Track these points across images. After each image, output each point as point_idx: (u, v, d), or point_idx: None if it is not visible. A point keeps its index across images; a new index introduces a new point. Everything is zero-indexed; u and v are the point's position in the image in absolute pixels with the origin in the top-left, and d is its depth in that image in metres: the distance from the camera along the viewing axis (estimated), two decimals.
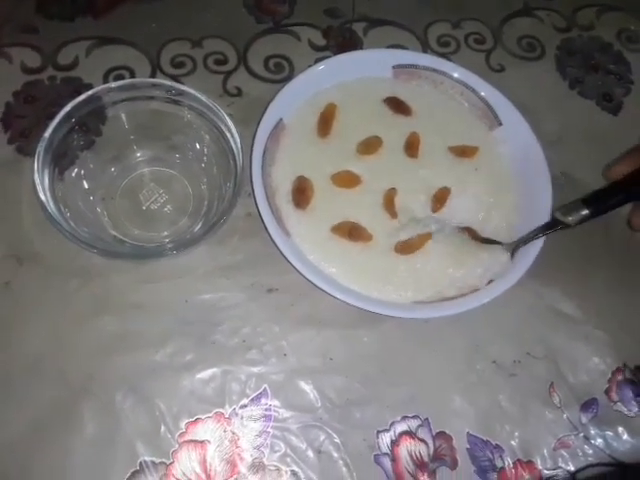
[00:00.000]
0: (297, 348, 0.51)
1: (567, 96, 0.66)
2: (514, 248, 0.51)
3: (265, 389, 0.50)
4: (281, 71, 0.62)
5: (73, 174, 0.53)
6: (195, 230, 0.52)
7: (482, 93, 0.57)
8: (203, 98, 0.52)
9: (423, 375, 0.51)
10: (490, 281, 0.49)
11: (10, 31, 0.63)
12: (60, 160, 0.49)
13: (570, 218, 0.50)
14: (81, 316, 0.49)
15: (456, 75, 0.57)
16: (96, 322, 0.49)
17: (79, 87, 0.59)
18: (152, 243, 0.52)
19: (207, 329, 0.50)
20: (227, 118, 0.51)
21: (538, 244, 0.51)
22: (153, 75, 0.62)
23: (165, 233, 0.53)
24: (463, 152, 0.55)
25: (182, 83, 0.60)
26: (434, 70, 0.57)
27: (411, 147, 0.54)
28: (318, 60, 0.60)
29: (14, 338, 0.49)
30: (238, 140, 0.51)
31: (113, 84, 0.52)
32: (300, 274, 0.49)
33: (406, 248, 0.50)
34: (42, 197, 0.47)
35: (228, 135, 0.52)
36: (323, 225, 0.50)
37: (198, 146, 0.55)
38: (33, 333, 0.48)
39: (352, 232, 0.50)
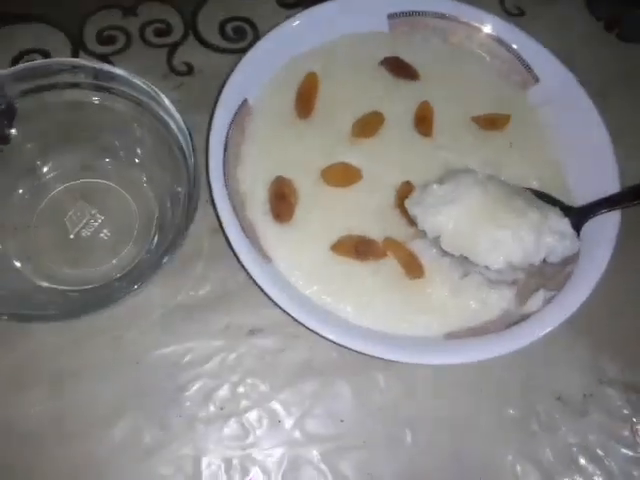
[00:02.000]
0: (294, 410, 0.40)
1: (604, 41, 0.56)
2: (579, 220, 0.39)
3: (255, 475, 0.37)
4: (242, 38, 0.52)
5: None
6: (144, 259, 0.42)
7: (510, 42, 0.46)
8: (137, 81, 0.40)
9: (465, 429, 0.40)
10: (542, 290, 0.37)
11: None
12: None
13: None
14: None
15: (473, 19, 0.46)
16: (19, 401, 0.39)
17: None
18: (87, 284, 0.42)
19: (170, 397, 0.40)
20: (169, 104, 0.39)
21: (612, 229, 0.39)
22: (75, 56, 0.50)
23: (104, 268, 0.42)
24: (492, 123, 0.45)
25: (112, 64, 0.49)
26: (443, 16, 0.46)
27: (423, 122, 0.44)
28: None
29: None
30: (187, 133, 0.39)
31: (14, 68, 0.39)
32: (289, 316, 0.35)
33: None
34: None
35: (174, 128, 0.40)
36: (318, 243, 0.39)
37: (137, 147, 0.44)
38: None
39: (359, 248, 0.39)
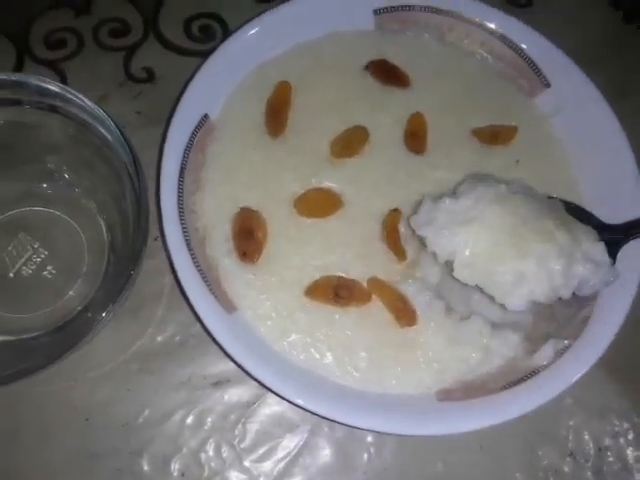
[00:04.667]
0: (267, 475, 0.35)
1: (624, 33, 0.51)
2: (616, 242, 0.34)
3: None
4: (211, 37, 0.47)
5: None
6: (93, 301, 0.37)
7: (517, 40, 0.40)
8: (82, 100, 0.35)
9: None
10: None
11: None
12: None
13: None
14: None
15: (473, 14, 0.40)
16: None
17: None
18: (27, 333, 0.37)
19: (123, 461, 0.35)
20: (111, 123, 0.34)
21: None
22: (20, 64, 0.45)
23: (47, 310, 0.38)
24: (495, 137, 0.40)
25: (62, 70, 0.45)
26: (437, 11, 0.41)
27: (414, 137, 0.39)
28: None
29: None
30: (131, 157, 0.33)
31: None
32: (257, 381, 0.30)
33: None
34: None
35: (121, 152, 0.34)
36: (290, 287, 0.35)
37: (83, 171, 0.39)
38: None
39: (339, 292, 0.34)
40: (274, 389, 0.30)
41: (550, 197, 0.37)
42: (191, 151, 0.35)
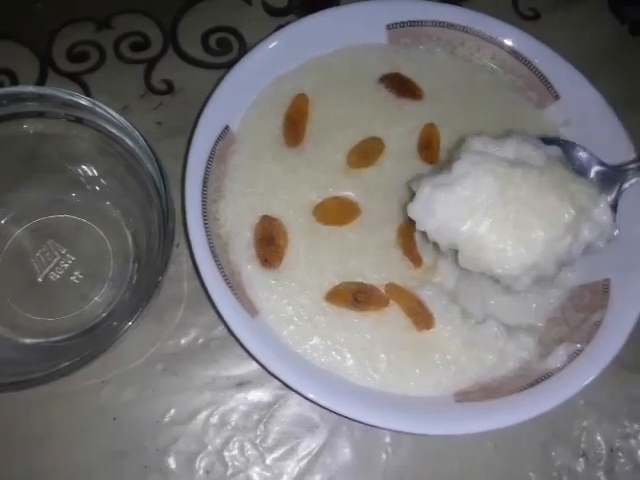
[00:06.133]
0: (289, 474, 0.36)
1: (629, 45, 0.51)
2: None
3: None
4: (228, 50, 0.48)
5: None
6: (118, 306, 0.38)
7: (527, 54, 0.41)
8: (108, 112, 0.35)
9: None
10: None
11: None
12: None
13: None
14: None
15: (484, 29, 0.41)
16: None
17: None
18: (56, 336, 0.38)
19: (150, 459, 0.36)
20: (138, 134, 0.35)
21: None
22: (43, 76, 0.46)
23: (74, 314, 0.38)
24: None
25: (85, 83, 0.46)
26: (449, 26, 0.41)
27: (428, 147, 0.39)
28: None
29: None
30: (157, 167, 0.34)
31: None
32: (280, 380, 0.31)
33: None
34: None
35: (146, 162, 0.35)
36: (311, 292, 0.35)
37: (108, 180, 0.40)
38: None
39: (358, 297, 0.35)
40: (298, 389, 0.31)
41: (545, 138, 0.36)
42: (213, 161, 0.36)
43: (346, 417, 0.32)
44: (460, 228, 0.31)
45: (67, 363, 0.32)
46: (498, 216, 0.31)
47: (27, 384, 0.32)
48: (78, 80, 0.45)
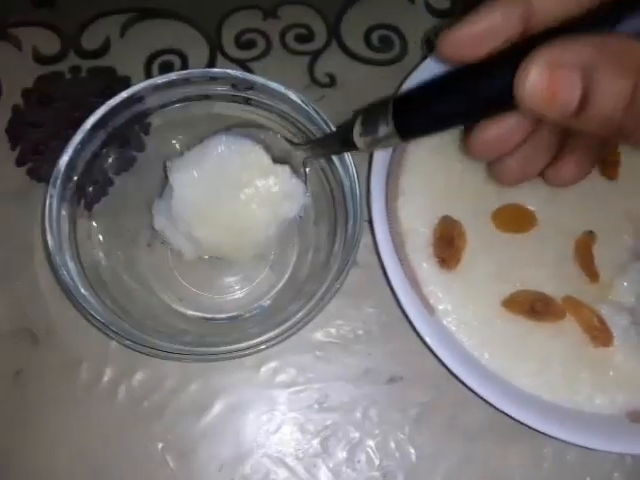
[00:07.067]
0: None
1: None
2: None
3: None
4: (389, 48, 0.47)
5: (106, 208, 0.38)
6: (281, 292, 0.39)
7: None
8: (290, 93, 0.37)
9: None
10: None
11: (19, 6, 0.46)
12: (86, 188, 0.37)
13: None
14: (122, 427, 0.36)
15: None
16: (145, 439, 0.36)
17: (112, 82, 0.44)
18: (221, 313, 0.39)
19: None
20: (328, 123, 0.35)
21: None
22: (212, 61, 0.47)
23: (237, 296, 0.40)
24: None
25: (251, 70, 0.46)
26: None
27: (609, 163, 0.37)
28: None
29: (26, 454, 0.36)
30: (350, 158, 0.33)
31: (160, 79, 0.35)
32: (461, 382, 0.31)
33: None
34: (52, 248, 0.32)
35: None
36: (488, 296, 0.35)
37: None
38: (56, 453, 0.36)
39: (537, 306, 0.34)
40: (480, 392, 0.31)
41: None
42: (393, 158, 0.37)
43: (517, 421, 0.32)
44: None
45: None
46: None
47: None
48: (245, 67, 0.46)
